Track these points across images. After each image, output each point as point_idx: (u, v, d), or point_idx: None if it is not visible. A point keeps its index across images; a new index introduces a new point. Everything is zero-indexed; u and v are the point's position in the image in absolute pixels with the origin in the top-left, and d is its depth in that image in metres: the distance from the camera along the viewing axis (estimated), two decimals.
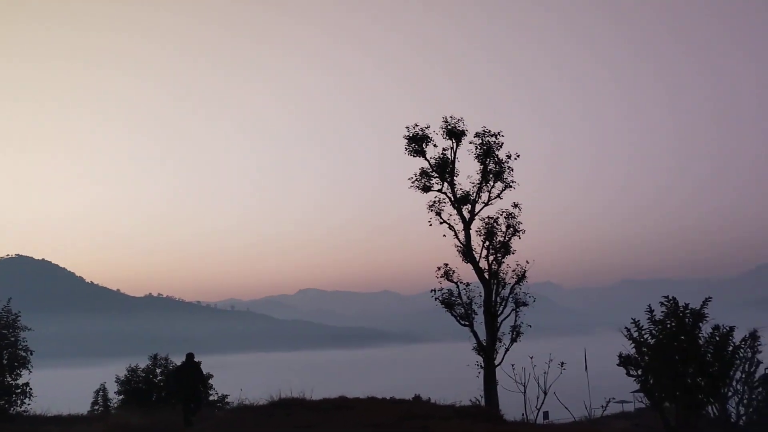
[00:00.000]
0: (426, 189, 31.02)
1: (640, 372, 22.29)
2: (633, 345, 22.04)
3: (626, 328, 22.26)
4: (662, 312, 21.53)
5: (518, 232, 30.33)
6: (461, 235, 30.45)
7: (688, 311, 21.41)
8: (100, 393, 39.37)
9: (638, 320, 22.10)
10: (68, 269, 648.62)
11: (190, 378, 20.77)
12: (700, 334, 21.60)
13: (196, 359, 21.62)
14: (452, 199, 30.68)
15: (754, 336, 35.59)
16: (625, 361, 22.40)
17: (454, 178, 30.84)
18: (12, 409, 26.16)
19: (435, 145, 31.07)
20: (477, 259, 30.22)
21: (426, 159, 30.99)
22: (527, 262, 30.18)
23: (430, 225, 30.75)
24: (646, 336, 21.74)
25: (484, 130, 30.65)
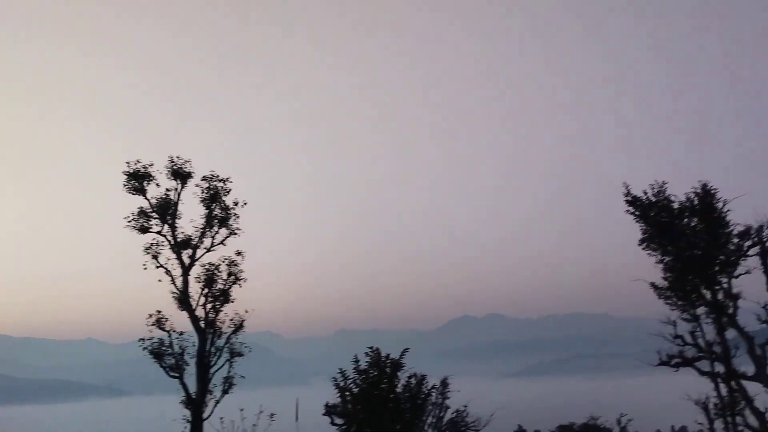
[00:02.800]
0: (144, 230, 29.34)
1: (344, 420, 23.33)
2: (339, 394, 23.05)
3: (334, 377, 23.25)
4: (366, 362, 22.96)
5: (240, 280, 30.03)
6: (179, 281, 29.16)
7: (388, 361, 23.15)
8: None
9: (345, 370, 23.22)
10: None
11: None
12: (398, 382, 23.43)
13: None
14: (172, 242, 29.37)
15: (444, 383, 39.97)
16: (330, 410, 23.33)
17: (176, 220, 29.65)
18: None
19: (158, 185, 29.73)
20: (194, 307, 29.10)
21: (146, 198, 29.46)
22: (246, 311, 29.94)
23: (145, 269, 29.04)
24: (351, 385, 22.90)
25: (212, 174, 30.17)
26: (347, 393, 22.73)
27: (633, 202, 28.27)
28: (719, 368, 27.09)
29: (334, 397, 23.68)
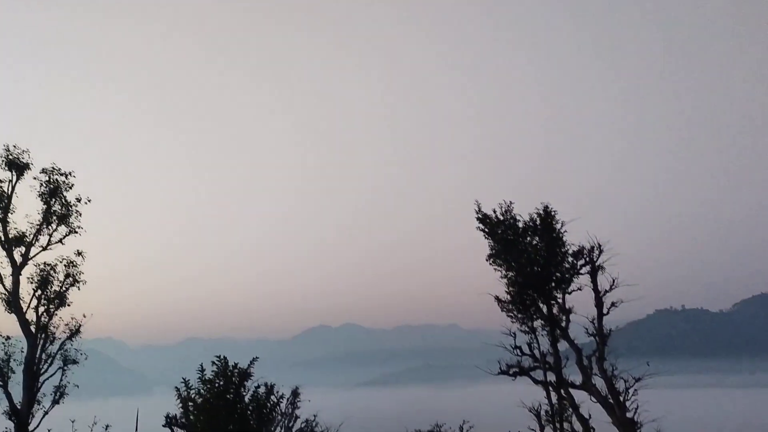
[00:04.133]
0: None
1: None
2: (181, 404, 22.19)
3: (177, 387, 22.37)
4: (213, 371, 22.32)
5: (78, 282, 28.07)
6: (8, 281, 26.77)
7: (236, 370, 22.65)
8: None
9: (189, 380, 22.42)
10: None
11: None
12: (245, 392, 22.95)
13: None
14: (2, 238, 26.90)
15: (295, 393, 39.74)
16: (171, 421, 22.40)
17: (9, 215, 27.21)
18: None
19: None
20: (24, 310, 26.79)
21: None
22: (84, 316, 27.99)
23: None
24: (194, 395, 22.12)
25: (53, 167, 28.02)
26: (190, 403, 21.92)
27: (483, 219, 29.82)
28: (552, 377, 29.17)
29: (177, 408, 22.77)
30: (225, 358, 22.65)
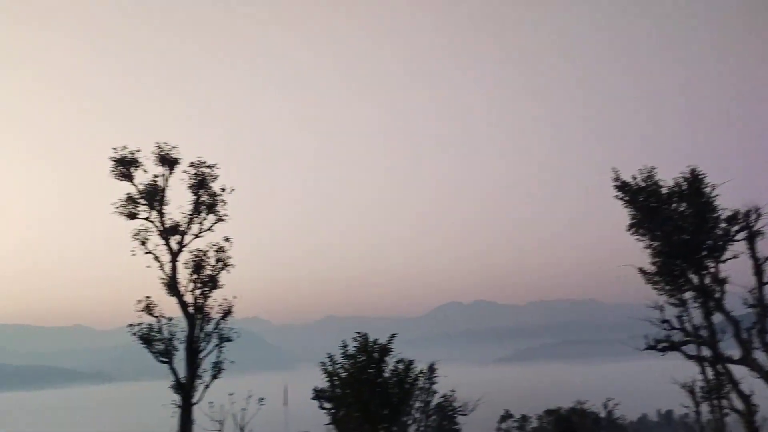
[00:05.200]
0: (132, 216, 29.06)
1: (332, 404, 23.45)
2: (327, 379, 23.15)
3: (322, 362, 23.33)
4: (354, 347, 23.06)
5: (228, 266, 29.87)
6: (167, 267, 28.95)
7: (376, 346, 23.26)
8: None
9: (334, 355, 23.29)
10: None
11: None
12: (386, 367, 23.54)
13: None
14: (160, 228, 29.15)
15: (431, 369, 40.23)
16: (319, 394, 23.44)
17: (164, 206, 29.41)
18: None
19: (146, 171, 29.46)
20: (182, 293, 28.95)
21: (134, 184, 29.17)
22: (234, 297, 29.80)
23: (134, 255, 28.80)
24: (339, 370, 22.98)
25: (199, 161, 29.90)
26: (335, 377, 22.81)
27: (622, 187, 28.34)
28: (706, 352, 27.35)
29: (321, 382, 23.76)
30: (365, 334, 23.32)
